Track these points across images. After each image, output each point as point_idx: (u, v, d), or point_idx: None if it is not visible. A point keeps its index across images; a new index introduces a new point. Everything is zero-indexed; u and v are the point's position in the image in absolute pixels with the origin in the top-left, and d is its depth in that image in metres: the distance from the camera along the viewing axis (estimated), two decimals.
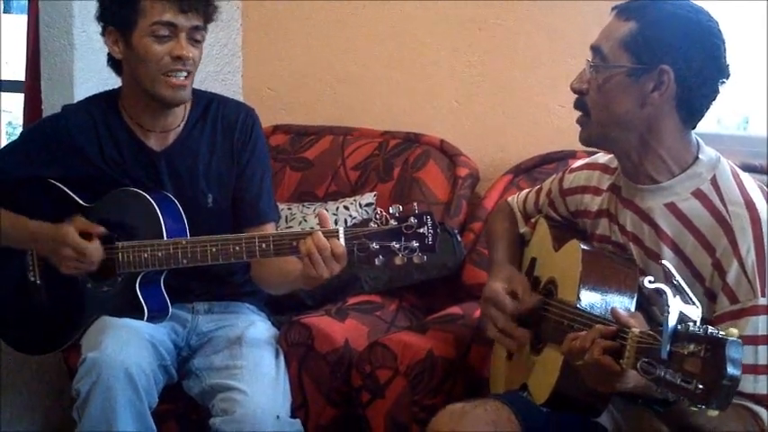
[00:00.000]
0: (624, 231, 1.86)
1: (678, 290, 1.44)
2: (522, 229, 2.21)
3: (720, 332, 1.36)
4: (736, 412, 1.62)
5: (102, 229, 2.25)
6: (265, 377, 2.22)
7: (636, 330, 1.49)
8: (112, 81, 2.38)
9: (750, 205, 1.71)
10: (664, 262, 1.63)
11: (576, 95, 1.83)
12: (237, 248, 2.11)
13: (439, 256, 2.67)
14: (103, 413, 2.08)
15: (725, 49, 1.75)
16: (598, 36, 1.80)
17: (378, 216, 1.96)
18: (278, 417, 2.17)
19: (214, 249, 2.13)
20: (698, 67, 1.71)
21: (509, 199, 2.31)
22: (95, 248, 2.23)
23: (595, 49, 1.79)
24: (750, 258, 1.67)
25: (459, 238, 2.75)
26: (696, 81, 1.72)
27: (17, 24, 3.81)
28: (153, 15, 2.19)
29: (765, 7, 2.62)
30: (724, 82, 1.75)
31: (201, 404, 2.27)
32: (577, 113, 1.85)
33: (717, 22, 1.75)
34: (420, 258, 1.96)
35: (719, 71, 1.74)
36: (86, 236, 2.24)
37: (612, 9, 1.81)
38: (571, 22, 2.91)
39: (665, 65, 1.71)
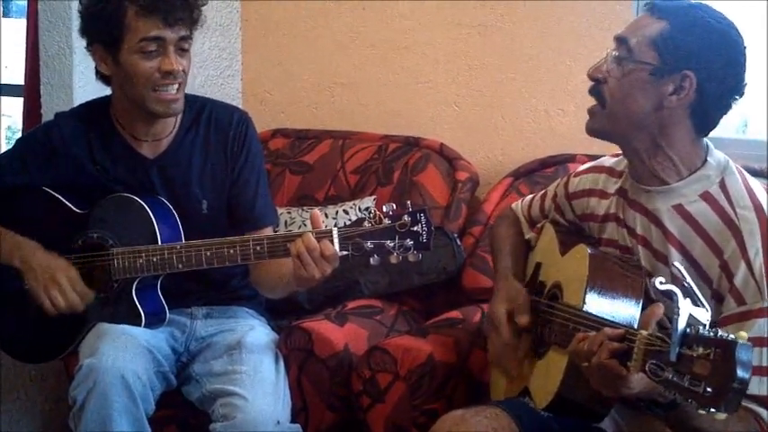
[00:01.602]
0: (633, 234, 1.85)
1: (688, 292, 1.44)
2: (528, 234, 2.21)
3: (730, 335, 1.36)
4: (738, 414, 1.59)
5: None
6: (265, 382, 2.21)
7: (644, 333, 1.48)
8: None
9: (758, 208, 1.72)
10: (675, 263, 1.63)
11: (592, 83, 1.81)
12: (232, 252, 2.10)
13: (438, 259, 2.68)
14: (99, 420, 2.07)
15: (746, 68, 1.75)
16: (626, 28, 1.79)
17: (371, 215, 1.96)
18: (278, 422, 2.16)
19: (209, 253, 2.12)
20: (719, 79, 1.72)
21: (512, 205, 2.30)
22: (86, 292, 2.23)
23: (621, 39, 1.77)
24: (758, 261, 1.67)
25: (459, 242, 2.74)
26: (715, 92, 1.73)
27: (17, 28, 3.80)
28: (139, 32, 2.16)
29: (765, 8, 2.61)
30: (737, 99, 1.76)
31: (201, 409, 2.26)
32: (590, 103, 1.83)
33: (743, 39, 1.76)
34: (415, 257, 1.95)
35: (737, 88, 1.75)
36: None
37: (646, 4, 1.79)
38: (571, 27, 2.90)
39: (689, 70, 1.71)
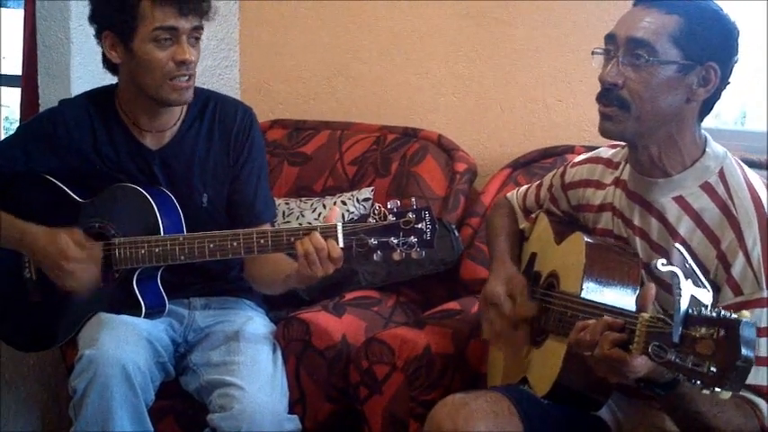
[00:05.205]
0: (630, 225, 1.86)
1: (689, 273, 1.43)
2: (522, 224, 2.22)
3: (733, 314, 1.35)
4: (735, 402, 1.62)
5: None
6: (263, 373, 2.22)
7: (645, 316, 1.48)
8: (110, 76, 2.36)
9: (756, 199, 1.73)
10: (676, 245, 1.63)
11: (603, 89, 1.77)
12: (235, 244, 2.10)
13: (437, 251, 2.67)
14: (100, 410, 2.08)
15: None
16: (635, 28, 1.73)
17: (376, 212, 1.96)
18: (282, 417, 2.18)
19: (212, 245, 2.12)
20: (731, 66, 1.74)
21: (508, 195, 2.31)
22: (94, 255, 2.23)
23: (638, 41, 1.72)
24: (756, 251, 1.68)
25: (457, 234, 2.74)
26: (728, 79, 1.75)
27: (14, 18, 3.80)
28: (154, 21, 2.15)
29: (766, 6, 2.62)
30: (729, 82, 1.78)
31: (199, 400, 2.26)
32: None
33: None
34: (418, 254, 1.96)
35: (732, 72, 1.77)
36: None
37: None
38: (569, 17, 2.90)
39: (713, 62, 1.72)
